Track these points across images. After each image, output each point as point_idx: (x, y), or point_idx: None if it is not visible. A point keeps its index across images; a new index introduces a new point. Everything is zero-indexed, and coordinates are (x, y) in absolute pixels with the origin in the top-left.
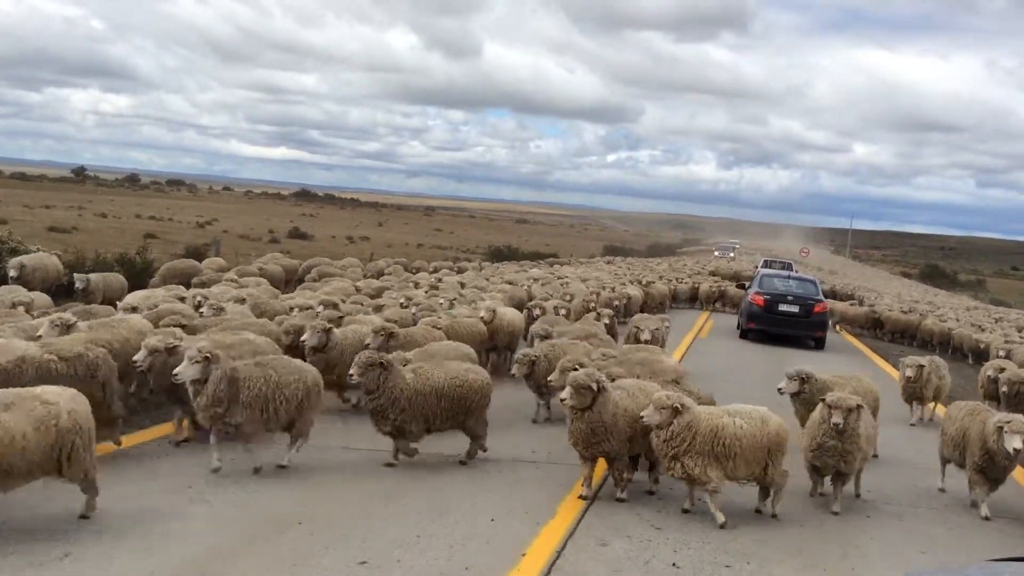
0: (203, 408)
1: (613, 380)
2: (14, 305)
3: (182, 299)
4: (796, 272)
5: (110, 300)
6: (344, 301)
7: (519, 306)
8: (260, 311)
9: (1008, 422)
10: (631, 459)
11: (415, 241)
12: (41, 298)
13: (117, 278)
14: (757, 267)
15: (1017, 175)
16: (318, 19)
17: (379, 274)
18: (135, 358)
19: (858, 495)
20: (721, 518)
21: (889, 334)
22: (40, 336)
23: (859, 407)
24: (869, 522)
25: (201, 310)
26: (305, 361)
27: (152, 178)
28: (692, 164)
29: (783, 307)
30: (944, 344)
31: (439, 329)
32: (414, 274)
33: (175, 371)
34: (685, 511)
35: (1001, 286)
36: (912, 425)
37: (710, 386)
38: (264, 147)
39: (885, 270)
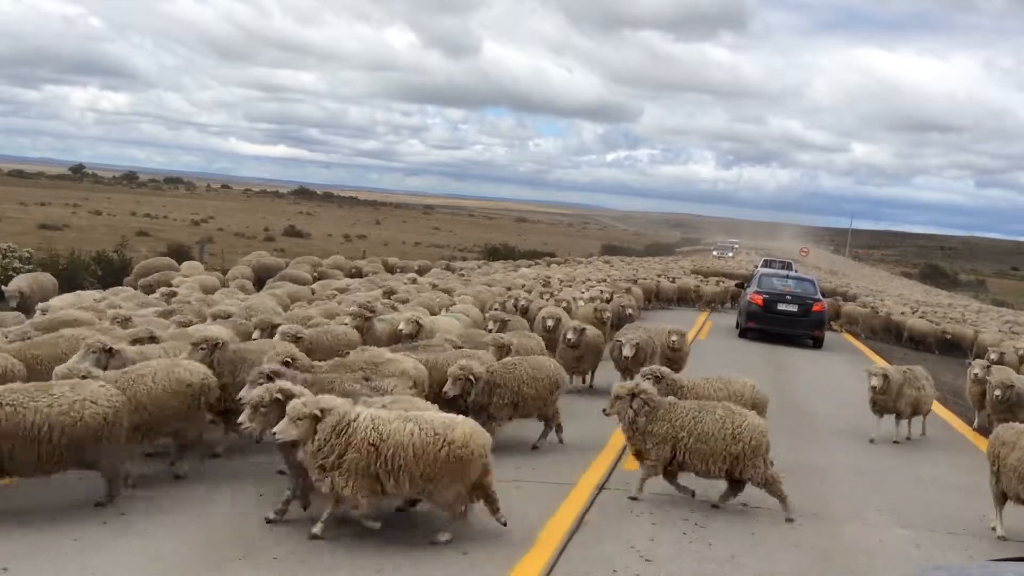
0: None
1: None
2: None
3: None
4: (796, 272)
5: (45, 301)
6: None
7: (484, 309)
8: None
9: None
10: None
11: (412, 240)
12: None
13: (48, 278)
14: (756, 266)
15: (1016, 175)
16: (317, 17)
17: (357, 274)
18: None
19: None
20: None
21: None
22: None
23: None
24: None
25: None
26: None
27: (150, 176)
28: (691, 163)
29: (782, 306)
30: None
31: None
32: (392, 274)
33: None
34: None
35: (1001, 286)
36: (897, 442)
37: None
38: (263, 145)
39: (885, 270)
